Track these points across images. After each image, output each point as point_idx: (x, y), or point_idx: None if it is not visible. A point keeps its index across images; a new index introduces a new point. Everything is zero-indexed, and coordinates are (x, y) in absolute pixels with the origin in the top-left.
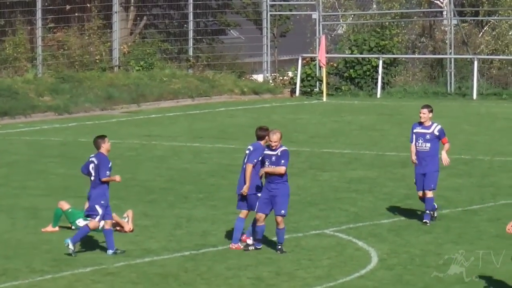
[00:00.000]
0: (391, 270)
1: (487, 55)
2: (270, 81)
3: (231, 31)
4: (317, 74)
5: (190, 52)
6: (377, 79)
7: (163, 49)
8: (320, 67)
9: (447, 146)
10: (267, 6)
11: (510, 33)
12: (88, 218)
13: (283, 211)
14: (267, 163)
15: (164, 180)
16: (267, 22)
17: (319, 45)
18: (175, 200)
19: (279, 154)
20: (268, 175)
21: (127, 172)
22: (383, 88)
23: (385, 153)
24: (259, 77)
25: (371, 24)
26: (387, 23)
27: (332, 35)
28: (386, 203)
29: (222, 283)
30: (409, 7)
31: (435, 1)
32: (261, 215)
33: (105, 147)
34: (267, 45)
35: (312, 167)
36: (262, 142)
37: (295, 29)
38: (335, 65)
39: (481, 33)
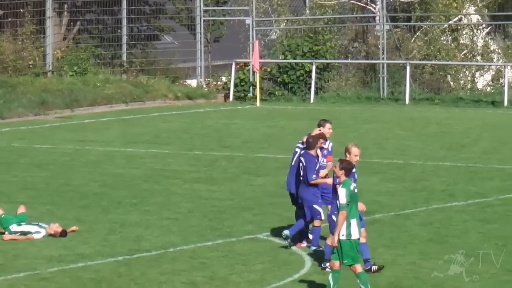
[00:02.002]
0: (324, 275)
1: (420, 60)
2: (204, 86)
3: (164, 36)
4: (251, 79)
5: (124, 58)
6: (310, 84)
7: (96, 54)
8: (253, 72)
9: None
10: (200, 11)
11: (442, 38)
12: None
13: None
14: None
15: (98, 185)
16: (200, 28)
17: (252, 51)
18: (109, 205)
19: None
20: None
21: (61, 178)
22: (316, 93)
23: None
24: (193, 82)
25: (304, 30)
26: (320, 29)
27: (266, 40)
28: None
29: None
30: (342, 12)
31: (367, 7)
32: None
33: None
34: (200, 50)
35: (246, 172)
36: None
37: (229, 34)
38: (268, 70)
39: (414, 38)
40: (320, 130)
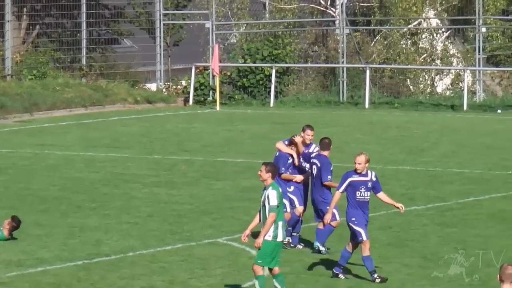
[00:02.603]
0: (284, 278)
1: (379, 64)
2: (164, 90)
3: (124, 40)
4: (211, 83)
5: (83, 61)
6: (270, 88)
7: (56, 58)
8: (213, 76)
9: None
10: (160, 15)
11: (401, 42)
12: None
13: None
14: (362, 191)
15: (57, 189)
16: (160, 31)
17: (212, 54)
18: (68, 210)
19: (374, 179)
20: (358, 203)
21: (20, 182)
22: (276, 97)
23: None
24: (153, 86)
25: (264, 33)
26: (280, 32)
27: (225, 44)
28: None
29: None
30: (302, 16)
31: (327, 10)
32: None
33: None
34: (160, 54)
35: (205, 176)
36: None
37: (189, 38)
38: (228, 74)
39: (373, 42)
40: (301, 136)
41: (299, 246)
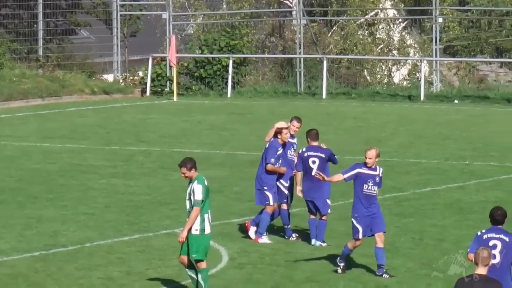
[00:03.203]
0: (241, 269)
1: (336, 54)
2: (121, 81)
3: (81, 31)
4: (168, 74)
5: (40, 52)
6: (227, 78)
7: (12, 49)
8: (170, 67)
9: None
10: (117, 6)
11: (358, 33)
12: None
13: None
14: (370, 184)
15: (14, 180)
16: (117, 22)
17: (169, 45)
18: (25, 201)
19: (381, 175)
20: (364, 196)
21: None
22: (233, 87)
23: (236, 152)
24: (110, 77)
25: (221, 24)
26: (237, 23)
27: (183, 35)
28: (237, 202)
29: (72, 283)
30: (259, 7)
31: (284, 1)
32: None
33: None
34: (117, 45)
35: (163, 166)
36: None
37: (146, 29)
38: (185, 64)
39: (330, 33)
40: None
41: (293, 238)
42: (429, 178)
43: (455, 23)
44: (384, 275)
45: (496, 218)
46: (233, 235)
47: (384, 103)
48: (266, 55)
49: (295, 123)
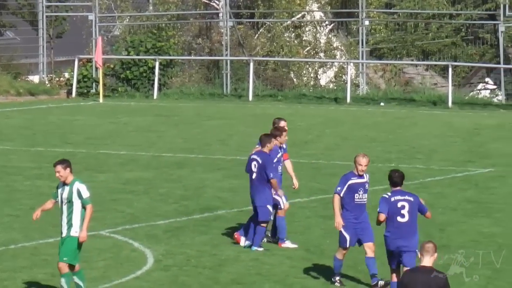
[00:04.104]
0: (166, 271)
1: (263, 56)
2: (47, 82)
3: (6, 32)
4: (94, 75)
5: None
6: (153, 80)
7: None
8: (96, 68)
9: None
10: (43, 7)
11: (285, 35)
12: None
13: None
14: (360, 193)
15: None
16: (43, 23)
17: (95, 47)
18: None
19: (368, 181)
20: (355, 205)
21: None
22: (159, 89)
23: (162, 154)
24: (35, 78)
25: (147, 26)
26: (163, 25)
27: (109, 37)
28: (162, 204)
29: None
30: (185, 8)
31: (211, 3)
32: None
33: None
34: (43, 46)
35: (88, 168)
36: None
37: (72, 30)
38: (111, 66)
39: (257, 35)
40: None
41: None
42: None
43: (382, 26)
44: (379, 282)
45: (395, 180)
46: (159, 237)
47: (310, 105)
48: (192, 57)
49: (282, 123)
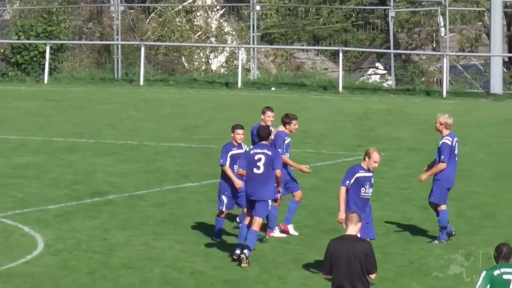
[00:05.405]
0: (56, 256)
1: (154, 41)
2: None
3: None
4: None
5: None
6: (44, 65)
7: None
8: None
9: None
10: None
11: (176, 20)
12: None
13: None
14: (367, 187)
15: None
16: None
17: None
18: None
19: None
20: (360, 200)
21: None
22: (50, 74)
23: (52, 138)
24: None
25: (38, 10)
26: (54, 9)
27: None
28: (53, 189)
29: None
30: None
31: None
32: None
33: None
34: None
35: None
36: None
37: None
38: (1, 51)
39: (148, 19)
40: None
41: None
42: None
43: (273, 11)
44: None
45: (261, 134)
46: (49, 221)
47: (201, 90)
48: (83, 42)
49: (269, 113)
